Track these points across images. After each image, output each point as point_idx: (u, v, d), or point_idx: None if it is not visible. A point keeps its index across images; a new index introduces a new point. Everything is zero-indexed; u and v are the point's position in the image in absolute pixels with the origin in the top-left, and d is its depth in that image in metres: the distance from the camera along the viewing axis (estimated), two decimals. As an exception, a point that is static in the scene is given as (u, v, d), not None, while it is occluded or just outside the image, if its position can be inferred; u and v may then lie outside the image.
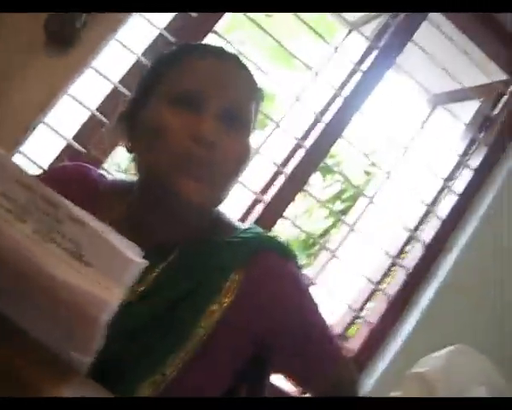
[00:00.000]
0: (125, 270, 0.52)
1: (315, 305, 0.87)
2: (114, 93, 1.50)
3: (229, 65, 0.84)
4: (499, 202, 1.86)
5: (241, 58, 0.87)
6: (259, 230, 0.90)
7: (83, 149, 1.48)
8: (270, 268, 0.84)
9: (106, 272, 0.51)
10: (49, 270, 0.50)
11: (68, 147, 1.49)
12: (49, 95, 1.12)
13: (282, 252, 0.87)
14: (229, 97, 0.80)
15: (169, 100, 0.80)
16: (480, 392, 0.68)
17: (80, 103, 1.43)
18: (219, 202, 0.83)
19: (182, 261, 0.82)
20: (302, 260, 3.23)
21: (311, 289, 0.91)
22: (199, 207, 0.79)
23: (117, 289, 0.50)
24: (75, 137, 1.50)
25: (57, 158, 1.50)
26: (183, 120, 0.77)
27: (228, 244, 0.83)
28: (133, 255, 0.51)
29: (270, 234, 0.93)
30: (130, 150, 0.87)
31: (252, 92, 0.85)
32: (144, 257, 0.53)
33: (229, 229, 0.87)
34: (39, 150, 1.40)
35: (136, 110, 0.85)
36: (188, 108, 0.78)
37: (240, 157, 0.82)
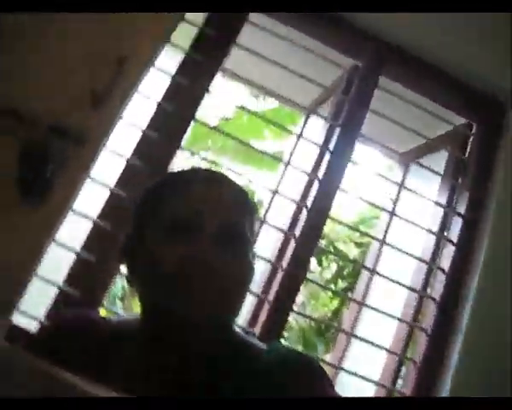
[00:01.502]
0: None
1: None
2: (97, 229, 1.51)
3: (219, 186, 0.86)
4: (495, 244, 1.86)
5: (216, 168, 0.90)
6: (284, 349, 0.88)
7: (76, 293, 1.46)
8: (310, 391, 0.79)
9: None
10: None
11: (61, 292, 1.47)
12: (33, 250, 1.13)
13: (315, 374, 0.83)
14: (223, 217, 0.81)
15: (163, 230, 0.80)
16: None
17: (65, 247, 1.43)
18: (229, 323, 0.82)
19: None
20: (320, 348, 3.18)
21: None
22: (208, 329, 0.77)
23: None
24: (66, 282, 1.48)
25: (54, 304, 1.46)
26: (180, 248, 0.77)
27: (259, 374, 0.80)
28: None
29: (294, 352, 0.89)
30: (131, 284, 0.87)
31: (244, 208, 0.86)
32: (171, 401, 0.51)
33: (254, 353, 0.84)
34: (35, 303, 1.39)
35: (133, 245, 0.86)
36: (183, 234, 0.79)
37: (242, 275, 0.82)
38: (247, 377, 0.80)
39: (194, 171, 0.92)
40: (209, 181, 0.86)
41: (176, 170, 0.95)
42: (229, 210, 0.83)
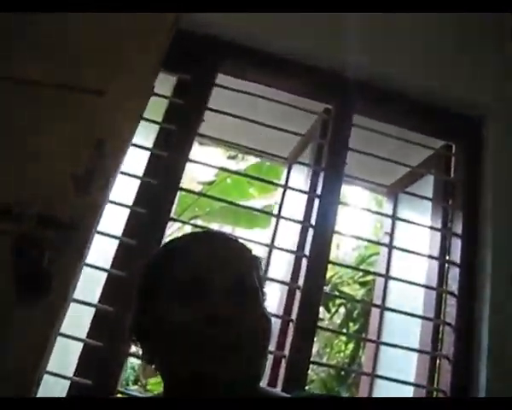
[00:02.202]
0: None
1: None
2: (100, 314, 1.49)
3: (221, 243, 0.86)
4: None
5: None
6: (306, 392, 0.87)
7: (89, 382, 1.42)
8: None
9: None
10: None
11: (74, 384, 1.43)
12: (40, 344, 1.09)
13: None
14: (231, 273, 0.81)
15: (175, 297, 0.79)
16: None
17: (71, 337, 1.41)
18: (256, 377, 0.80)
19: None
20: (344, 395, 3.10)
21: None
22: (237, 387, 0.75)
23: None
24: (77, 373, 1.45)
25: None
26: (193, 310, 0.76)
27: None
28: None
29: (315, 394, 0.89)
30: (149, 361, 0.85)
31: (250, 262, 0.87)
32: None
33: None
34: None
35: (145, 322, 0.84)
36: (195, 296, 0.78)
37: (260, 325, 0.80)
38: None
39: (193, 234, 0.92)
40: (211, 240, 0.87)
41: (172, 238, 0.95)
42: (237, 265, 0.84)
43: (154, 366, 0.85)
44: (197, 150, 1.96)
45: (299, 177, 2.15)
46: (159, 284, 0.83)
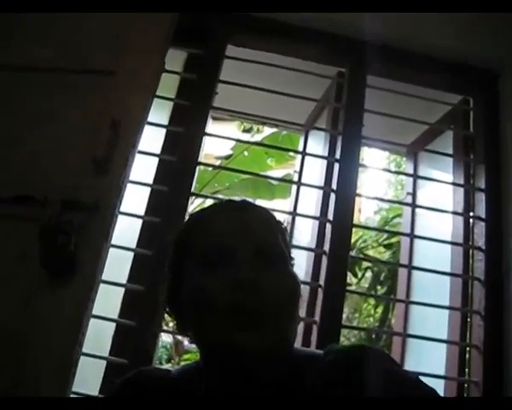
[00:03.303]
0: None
1: None
2: (130, 294, 1.52)
3: (246, 211, 0.86)
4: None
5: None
6: (339, 346, 0.88)
7: (124, 362, 1.45)
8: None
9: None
10: None
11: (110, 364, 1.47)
12: (74, 327, 1.10)
13: (376, 355, 0.81)
14: (255, 238, 0.81)
15: (200, 267, 0.80)
16: None
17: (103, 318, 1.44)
18: (287, 341, 0.79)
19: None
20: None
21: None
22: (268, 354, 0.74)
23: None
24: (112, 352, 1.48)
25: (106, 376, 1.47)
26: (220, 277, 0.77)
27: (323, 377, 0.77)
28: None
29: (349, 346, 0.90)
30: (183, 331, 0.86)
31: (274, 227, 0.87)
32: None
33: (315, 360, 0.82)
34: (85, 377, 1.36)
35: (176, 293, 0.85)
36: (221, 265, 0.78)
37: (288, 288, 0.80)
38: (314, 384, 0.78)
39: (216, 204, 0.93)
40: (234, 208, 0.87)
41: (196, 210, 0.95)
42: (261, 230, 0.84)
43: (188, 337, 0.86)
44: (211, 127, 1.94)
45: (317, 143, 2.13)
46: (187, 255, 0.84)
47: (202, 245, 0.82)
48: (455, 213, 1.96)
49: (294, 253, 0.91)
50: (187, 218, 0.94)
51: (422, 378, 0.79)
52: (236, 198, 0.93)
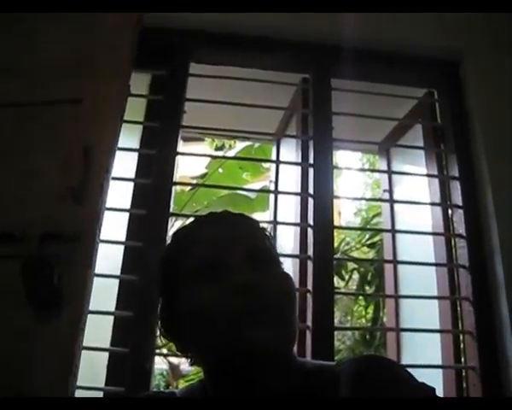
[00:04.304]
0: None
1: None
2: (119, 321, 1.49)
3: (231, 221, 0.87)
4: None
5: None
6: (350, 357, 0.87)
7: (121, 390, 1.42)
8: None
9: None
10: None
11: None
12: (65, 360, 1.08)
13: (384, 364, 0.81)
14: (245, 244, 0.82)
15: (194, 282, 0.79)
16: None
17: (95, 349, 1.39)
18: (291, 340, 0.79)
19: None
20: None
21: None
22: (279, 350, 0.75)
23: None
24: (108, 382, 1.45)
25: None
26: (217, 287, 0.76)
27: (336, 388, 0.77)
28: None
29: (359, 356, 0.88)
30: (183, 352, 0.85)
31: (259, 232, 0.88)
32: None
33: (327, 370, 0.83)
34: None
35: (169, 313, 0.84)
36: (215, 276, 0.78)
37: (285, 285, 0.81)
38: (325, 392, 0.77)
39: (198, 218, 0.92)
40: (219, 219, 0.87)
41: (178, 228, 0.94)
42: (249, 235, 0.85)
43: (190, 357, 0.85)
44: (183, 148, 1.94)
45: (290, 151, 2.14)
46: (177, 273, 0.83)
47: (192, 260, 0.81)
48: (432, 203, 1.98)
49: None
50: (171, 236, 0.93)
51: (420, 370, 0.79)
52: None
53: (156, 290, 0.90)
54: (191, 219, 0.95)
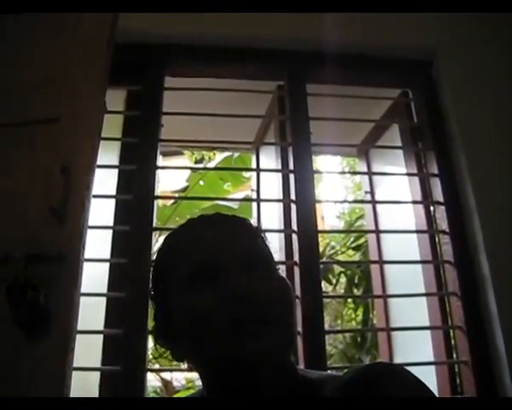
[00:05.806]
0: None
1: None
2: (109, 339, 1.47)
3: (221, 221, 0.85)
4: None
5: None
6: (354, 367, 0.89)
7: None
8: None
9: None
10: None
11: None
12: (57, 381, 1.05)
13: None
14: (240, 247, 0.80)
15: (190, 288, 0.77)
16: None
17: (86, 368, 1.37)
18: (291, 345, 0.79)
19: None
20: (367, 359, 3.13)
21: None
22: (275, 359, 0.73)
23: None
24: None
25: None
26: (214, 292, 0.74)
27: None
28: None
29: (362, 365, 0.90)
30: (181, 360, 0.83)
31: (252, 232, 0.86)
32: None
33: (334, 379, 0.81)
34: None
35: (164, 322, 0.82)
36: (210, 280, 0.76)
37: (282, 289, 0.79)
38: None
39: (189, 222, 0.88)
40: (211, 222, 0.85)
41: (167, 234, 0.91)
42: (244, 237, 0.82)
43: (187, 364, 0.83)
44: (163, 163, 1.93)
45: (269, 158, 2.14)
46: (171, 281, 0.81)
47: (186, 266, 0.79)
48: (414, 202, 1.99)
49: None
50: (162, 243, 0.90)
51: (413, 368, 0.78)
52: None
53: (149, 299, 0.87)
54: (182, 222, 0.91)
